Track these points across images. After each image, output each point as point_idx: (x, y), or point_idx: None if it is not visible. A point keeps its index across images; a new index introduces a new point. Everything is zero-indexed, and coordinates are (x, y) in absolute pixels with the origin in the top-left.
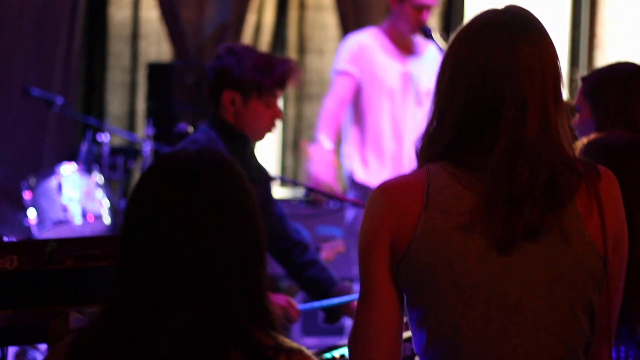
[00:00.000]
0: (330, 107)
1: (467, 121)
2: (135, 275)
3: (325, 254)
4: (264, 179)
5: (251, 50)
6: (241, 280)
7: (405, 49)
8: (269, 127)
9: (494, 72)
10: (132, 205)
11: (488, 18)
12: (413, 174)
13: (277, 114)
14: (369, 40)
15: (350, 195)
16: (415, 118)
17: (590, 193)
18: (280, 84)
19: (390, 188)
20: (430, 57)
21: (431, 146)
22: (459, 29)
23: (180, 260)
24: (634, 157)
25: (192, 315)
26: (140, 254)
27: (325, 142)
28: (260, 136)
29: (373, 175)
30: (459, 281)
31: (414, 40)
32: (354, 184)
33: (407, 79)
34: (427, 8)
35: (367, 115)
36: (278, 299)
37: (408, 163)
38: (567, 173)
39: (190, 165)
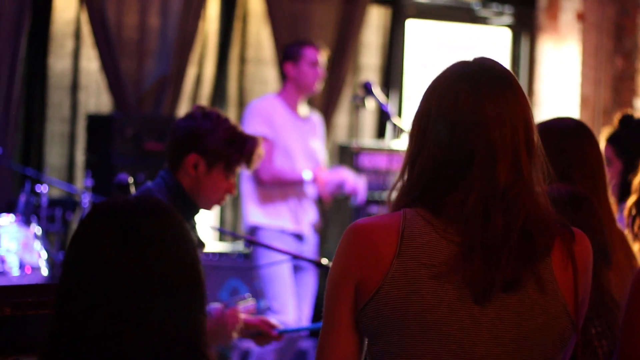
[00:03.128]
0: (276, 169)
1: (437, 172)
2: (74, 324)
3: None
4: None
5: (225, 119)
6: (181, 326)
7: (297, 113)
8: (221, 199)
9: (462, 122)
10: (70, 253)
11: (455, 70)
12: (389, 216)
13: (232, 188)
14: (270, 104)
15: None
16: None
17: (565, 254)
18: (248, 161)
19: (363, 228)
20: (313, 122)
21: (403, 198)
22: (430, 82)
23: (119, 307)
24: (580, 209)
25: None
26: (78, 302)
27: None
28: (210, 206)
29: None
30: (428, 331)
31: (301, 107)
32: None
33: (305, 141)
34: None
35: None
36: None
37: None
38: (542, 227)
39: (128, 213)
